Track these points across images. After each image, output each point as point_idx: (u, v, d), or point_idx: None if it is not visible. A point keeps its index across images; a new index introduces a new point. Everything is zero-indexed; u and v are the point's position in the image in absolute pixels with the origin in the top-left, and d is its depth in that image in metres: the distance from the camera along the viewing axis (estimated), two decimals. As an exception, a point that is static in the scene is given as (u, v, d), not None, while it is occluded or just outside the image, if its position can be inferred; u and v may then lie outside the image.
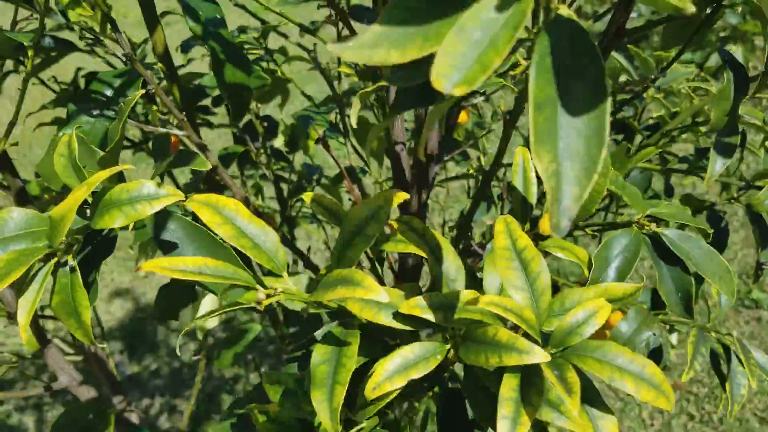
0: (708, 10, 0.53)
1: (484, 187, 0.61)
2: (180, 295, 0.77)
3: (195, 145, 0.63)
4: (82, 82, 1.10)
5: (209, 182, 0.86)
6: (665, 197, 0.81)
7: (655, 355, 0.62)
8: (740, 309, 2.20)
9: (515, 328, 0.40)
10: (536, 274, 0.38)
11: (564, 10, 0.27)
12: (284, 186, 1.29)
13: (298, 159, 2.10)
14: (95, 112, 0.63)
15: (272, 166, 0.95)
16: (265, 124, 0.96)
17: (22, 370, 0.93)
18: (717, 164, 0.59)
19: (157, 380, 2.08)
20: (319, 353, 0.39)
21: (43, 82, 1.14)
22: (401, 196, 0.43)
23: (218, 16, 0.64)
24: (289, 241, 0.88)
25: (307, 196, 0.48)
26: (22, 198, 0.83)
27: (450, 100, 0.36)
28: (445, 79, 0.24)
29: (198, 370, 1.24)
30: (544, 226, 0.50)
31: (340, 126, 0.90)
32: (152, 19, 0.67)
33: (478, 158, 0.94)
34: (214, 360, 0.91)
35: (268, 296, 0.38)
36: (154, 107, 0.75)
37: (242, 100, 0.66)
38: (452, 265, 0.43)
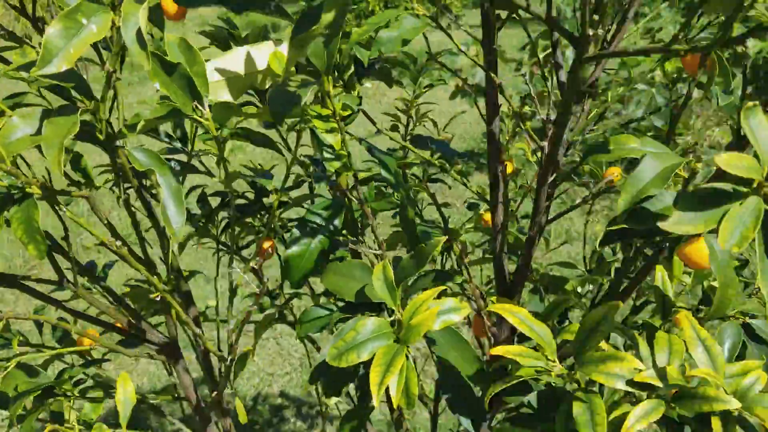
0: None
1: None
2: (343, 375, 0.93)
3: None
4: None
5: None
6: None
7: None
8: None
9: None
10: (715, 355, 0.61)
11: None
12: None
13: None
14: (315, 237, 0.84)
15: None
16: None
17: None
18: None
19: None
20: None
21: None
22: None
23: (398, 169, 0.87)
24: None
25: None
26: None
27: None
28: (725, 241, 0.48)
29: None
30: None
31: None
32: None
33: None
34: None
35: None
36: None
37: (415, 231, 0.88)
38: (646, 351, 0.65)
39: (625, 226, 0.58)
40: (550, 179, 0.93)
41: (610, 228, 0.60)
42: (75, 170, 0.89)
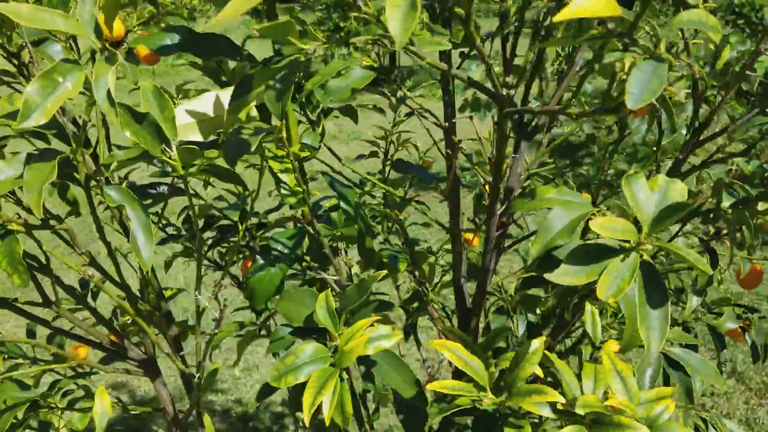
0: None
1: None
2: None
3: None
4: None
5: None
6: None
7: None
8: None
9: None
10: (630, 386, 0.67)
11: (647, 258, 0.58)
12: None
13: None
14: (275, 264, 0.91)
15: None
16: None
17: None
18: (693, 301, 0.91)
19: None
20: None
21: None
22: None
23: (358, 200, 0.95)
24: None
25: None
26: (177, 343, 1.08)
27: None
28: (603, 293, 0.55)
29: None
30: (608, 348, 0.79)
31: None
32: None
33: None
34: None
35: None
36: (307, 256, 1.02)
37: (372, 259, 0.96)
38: (573, 381, 0.71)
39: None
40: (500, 211, 1.00)
41: (525, 275, 0.66)
42: (63, 200, 0.97)
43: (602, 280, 0.55)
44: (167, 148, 0.78)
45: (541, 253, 0.65)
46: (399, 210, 1.31)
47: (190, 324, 1.46)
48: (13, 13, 0.63)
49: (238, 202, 1.26)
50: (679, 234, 0.87)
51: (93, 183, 0.83)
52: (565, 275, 0.56)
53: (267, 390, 0.73)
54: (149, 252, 0.77)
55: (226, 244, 1.34)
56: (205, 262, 1.41)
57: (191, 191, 1.31)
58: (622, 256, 0.56)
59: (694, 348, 1.07)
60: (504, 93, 0.64)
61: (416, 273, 1.13)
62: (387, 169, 1.46)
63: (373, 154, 1.48)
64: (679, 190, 0.59)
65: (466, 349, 0.70)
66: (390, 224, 1.47)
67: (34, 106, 0.66)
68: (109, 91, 0.66)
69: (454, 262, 1.09)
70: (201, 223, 1.35)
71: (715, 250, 0.84)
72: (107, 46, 0.67)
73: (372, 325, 0.71)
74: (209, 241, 1.35)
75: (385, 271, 0.76)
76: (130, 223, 0.77)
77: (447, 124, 1.02)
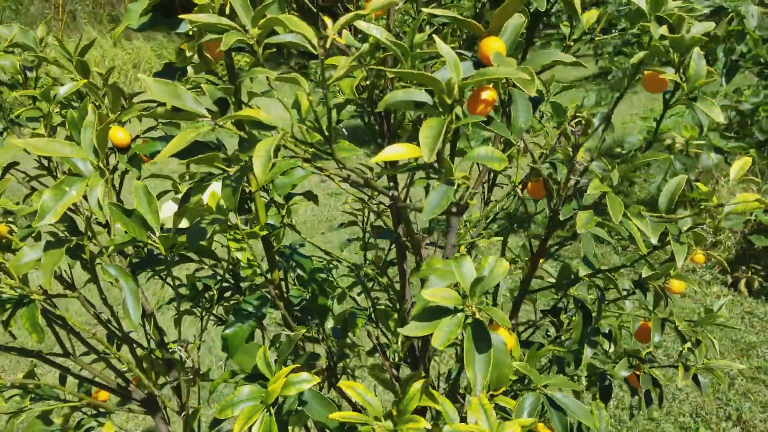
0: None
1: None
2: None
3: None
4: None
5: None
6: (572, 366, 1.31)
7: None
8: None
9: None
10: (491, 418, 0.86)
11: (479, 316, 0.78)
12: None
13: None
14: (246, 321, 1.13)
15: (328, 341, 1.44)
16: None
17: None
18: (588, 352, 1.08)
19: None
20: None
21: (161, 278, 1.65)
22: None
23: (312, 267, 1.17)
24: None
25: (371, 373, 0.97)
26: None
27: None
28: (436, 342, 0.75)
29: None
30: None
31: (373, 315, 1.41)
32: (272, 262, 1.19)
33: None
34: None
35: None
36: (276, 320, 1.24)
37: (324, 315, 1.17)
38: (452, 411, 0.90)
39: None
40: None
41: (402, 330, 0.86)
42: (84, 269, 1.22)
43: (435, 333, 0.75)
44: (152, 235, 1.02)
45: (419, 312, 0.85)
46: (382, 272, 1.53)
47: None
48: (32, 146, 0.88)
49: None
50: (564, 296, 1.05)
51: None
52: (412, 329, 0.77)
53: (216, 421, 0.94)
54: (137, 316, 1.01)
55: (226, 303, 1.58)
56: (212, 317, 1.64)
57: (197, 258, 1.56)
58: (451, 315, 0.76)
59: (607, 388, 1.24)
60: (391, 194, 0.86)
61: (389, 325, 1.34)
62: (366, 235, 1.69)
63: (353, 223, 1.71)
64: (503, 267, 0.79)
65: (364, 387, 0.90)
66: (372, 285, 1.69)
67: (47, 209, 0.91)
68: (98, 199, 0.91)
69: (401, 321, 1.29)
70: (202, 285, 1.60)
71: (589, 311, 1.02)
72: (100, 165, 0.92)
73: (296, 371, 0.92)
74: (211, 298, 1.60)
75: (304, 329, 0.97)
76: (123, 293, 1.01)
77: (391, 203, 1.24)
